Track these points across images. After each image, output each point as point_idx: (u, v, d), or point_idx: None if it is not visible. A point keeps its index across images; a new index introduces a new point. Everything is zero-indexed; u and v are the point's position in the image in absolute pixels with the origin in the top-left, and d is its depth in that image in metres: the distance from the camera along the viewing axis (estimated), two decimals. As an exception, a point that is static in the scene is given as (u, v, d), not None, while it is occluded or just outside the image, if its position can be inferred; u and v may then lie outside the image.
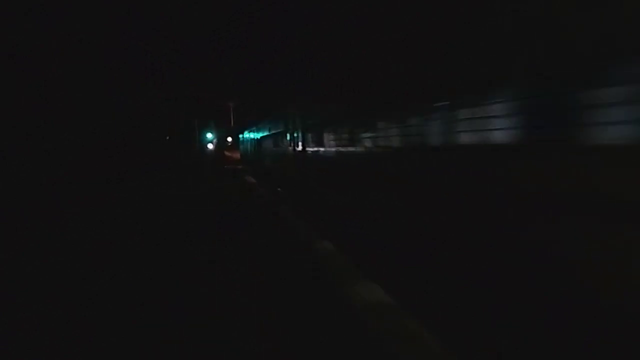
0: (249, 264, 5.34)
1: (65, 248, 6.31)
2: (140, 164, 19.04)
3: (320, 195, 8.28)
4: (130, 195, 12.53)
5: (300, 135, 11.47)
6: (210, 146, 40.55)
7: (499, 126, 3.42)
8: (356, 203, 6.37)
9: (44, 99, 12.14)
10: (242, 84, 34.91)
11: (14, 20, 11.12)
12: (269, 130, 18.00)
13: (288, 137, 13.15)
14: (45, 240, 6.90)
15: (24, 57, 11.42)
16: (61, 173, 12.39)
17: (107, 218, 8.87)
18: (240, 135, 36.75)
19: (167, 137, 29.85)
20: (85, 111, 14.69)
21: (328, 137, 8.06)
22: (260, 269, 5.14)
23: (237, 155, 38.42)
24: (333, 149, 7.73)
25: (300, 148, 11.54)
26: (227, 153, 40.70)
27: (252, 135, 25.94)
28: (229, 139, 45.85)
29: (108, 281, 4.78)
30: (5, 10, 10.86)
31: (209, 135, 40.41)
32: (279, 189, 12.82)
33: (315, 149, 9.16)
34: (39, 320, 3.77)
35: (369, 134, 6.36)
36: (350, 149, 6.83)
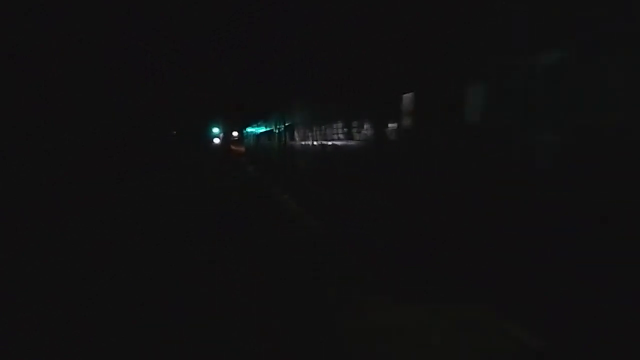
0: (249, 264, 5.34)
1: (65, 248, 6.31)
2: (141, 164, 19.03)
3: (294, 175, 12.53)
4: (130, 195, 12.52)
5: (284, 131, 14.65)
6: (217, 140, 42.17)
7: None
8: (307, 176, 10.68)
9: (44, 99, 12.13)
10: (242, 84, 35.04)
11: (14, 20, 11.12)
12: (265, 127, 21.70)
13: (278, 134, 16.71)
14: (45, 240, 6.90)
15: (24, 57, 11.42)
16: (61, 173, 12.38)
17: (107, 218, 8.87)
18: (245, 131, 40.05)
19: (174, 132, 30.41)
20: (85, 111, 14.68)
21: (301, 134, 11.70)
22: (260, 268, 5.14)
23: (242, 148, 41.17)
24: (301, 144, 11.49)
25: (283, 142, 14.78)
26: (233, 147, 43.95)
27: (253, 131, 29.95)
28: (235, 133, 48.08)
29: (108, 281, 4.78)
30: (5, 10, 10.86)
31: (216, 131, 41.90)
32: (267, 172, 18.49)
33: (293, 143, 12.81)
34: (39, 320, 3.77)
35: (314, 134, 9.77)
36: (307, 143, 10.59)
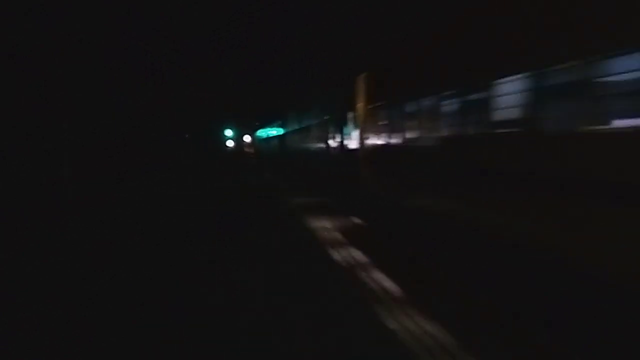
0: (248, 264, 5.35)
1: (65, 248, 6.31)
2: (141, 164, 19.04)
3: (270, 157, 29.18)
4: (130, 196, 12.53)
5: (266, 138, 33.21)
6: (230, 143, 45.77)
7: None
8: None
9: (44, 99, 12.11)
10: (242, 83, 35.39)
11: (14, 20, 11.10)
12: (267, 133, 36.14)
13: (277, 138, 31.08)
14: (45, 240, 6.90)
15: (24, 57, 11.40)
16: (61, 173, 12.37)
17: (107, 218, 8.87)
18: (255, 135, 49.99)
19: (186, 135, 31.65)
20: (85, 111, 14.67)
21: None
22: (260, 267, 5.15)
23: (252, 150, 49.30)
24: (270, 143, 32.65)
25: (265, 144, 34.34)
26: (245, 149, 52.70)
27: (259, 135, 43.70)
28: (248, 139, 52.97)
29: (108, 281, 4.78)
30: (5, 10, 10.85)
31: (229, 133, 45.00)
32: (261, 159, 36.49)
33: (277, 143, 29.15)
34: (39, 320, 3.77)
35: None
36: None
